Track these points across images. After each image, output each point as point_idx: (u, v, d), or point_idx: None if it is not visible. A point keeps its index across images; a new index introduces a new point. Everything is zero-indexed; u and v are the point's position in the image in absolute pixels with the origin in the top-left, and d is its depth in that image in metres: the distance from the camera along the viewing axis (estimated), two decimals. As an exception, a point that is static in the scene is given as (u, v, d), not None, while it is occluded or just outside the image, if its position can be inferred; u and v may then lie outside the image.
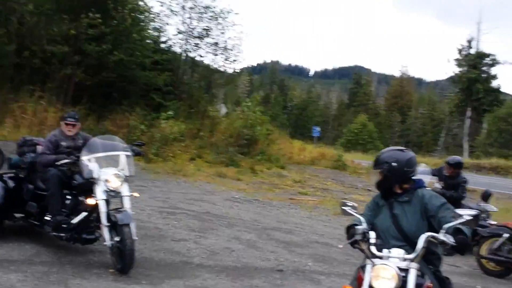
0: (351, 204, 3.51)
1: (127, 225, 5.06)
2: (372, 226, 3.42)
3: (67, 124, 5.95)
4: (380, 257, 3.08)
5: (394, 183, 3.42)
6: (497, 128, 44.51)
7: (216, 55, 22.43)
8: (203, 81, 23.64)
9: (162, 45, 22.23)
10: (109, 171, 5.37)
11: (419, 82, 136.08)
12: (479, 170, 30.40)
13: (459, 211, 3.02)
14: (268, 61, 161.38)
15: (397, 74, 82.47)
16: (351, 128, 55.64)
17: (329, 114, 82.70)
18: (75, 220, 5.34)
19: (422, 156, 41.63)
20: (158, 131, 17.18)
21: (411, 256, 3.02)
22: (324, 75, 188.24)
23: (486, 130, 48.20)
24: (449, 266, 7.12)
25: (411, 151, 3.53)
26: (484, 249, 6.89)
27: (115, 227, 5.11)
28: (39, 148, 6.02)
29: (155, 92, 19.89)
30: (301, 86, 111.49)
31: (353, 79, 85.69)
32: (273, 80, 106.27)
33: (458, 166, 8.37)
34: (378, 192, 3.60)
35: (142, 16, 19.43)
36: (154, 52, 19.99)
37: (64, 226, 5.39)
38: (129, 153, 5.74)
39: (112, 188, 5.30)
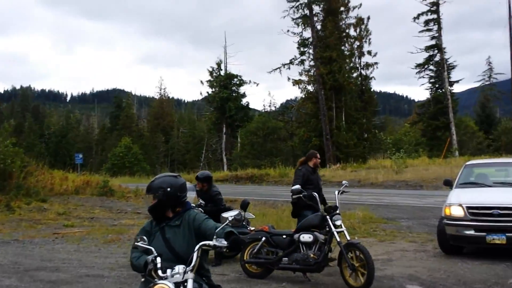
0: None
1: None
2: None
3: None
4: (165, 278, 3.21)
5: (168, 207, 3.61)
6: (249, 141, 49.19)
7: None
8: None
9: None
10: None
11: (179, 102, 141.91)
12: (238, 180, 33.17)
13: (224, 214, 3.49)
14: (18, 87, 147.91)
15: (157, 96, 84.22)
16: (116, 152, 54.45)
17: (92, 139, 79.70)
18: None
19: (187, 173, 43.37)
20: None
21: (189, 268, 3.22)
22: (83, 100, 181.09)
23: (240, 143, 52.82)
24: (218, 275, 7.54)
25: (182, 178, 3.76)
26: (246, 254, 7.49)
27: None
28: None
29: None
30: (58, 112, 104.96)
31: (114, 102, 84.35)
32: (25, 107, 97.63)
33: (206, 180, 8.84)
34: (149, 219, 3.73)
35: None
36: None
37: None
38: None
39: None
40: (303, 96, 47.40)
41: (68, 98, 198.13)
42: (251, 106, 59.09)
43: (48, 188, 20.45)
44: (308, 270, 6.98)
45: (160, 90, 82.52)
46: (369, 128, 47.51)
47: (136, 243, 3.44)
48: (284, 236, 7.27)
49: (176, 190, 3.60)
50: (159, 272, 3.24)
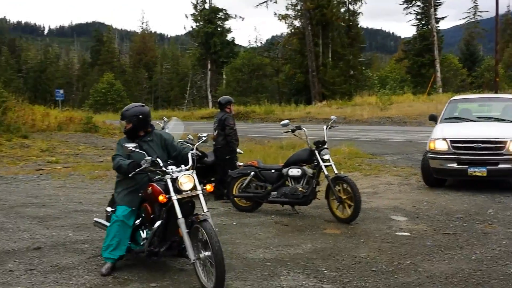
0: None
1: None
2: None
3: None
4: (170, 172, 4.45)
5: (140, 129, 4.92)
6: (234, 78, 48.61)
7: None
8: None
9: None
10: None
11: (161, 37, 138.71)
12: (224, 117, 32.99)
13: (200, 134, 5.01)
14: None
15: (138, 30, 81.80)
16: (98, 88, 53.52)
17: (72, 74, 77.96)
18: None
19: (172, 110, 43.03)
20: None
21: (189, 166, 4.55)
22: (61, 33, 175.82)
23: (225, 80, 52.18)
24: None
25: (147, 106, 5.13)
26: (235, 189, 7.53)
27: None
28: None
29: None
30: (36, 46, 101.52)
31: (94, 36, 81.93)
32: (1, 40, 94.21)
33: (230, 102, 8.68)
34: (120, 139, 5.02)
35: None
36: None
37: None
38: None
39: None
40: (290, 32, 46.45)
41: (46, 31, 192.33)
42: (236, 42, 57.93)
43: (29, 124, 20.16)
44: (296, 203, 7.06)
45: (142, 23, 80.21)
46: (355, 65, 47.04)
47: (130, 149, 4.51)
48: (273, 171, 7.29)
49: (146, 116, 4.91)
50: (163, 168, 4.47)
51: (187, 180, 4.38)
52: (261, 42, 61.28)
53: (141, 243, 4.75)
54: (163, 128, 8.50)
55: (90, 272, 4.72)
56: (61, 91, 34.03)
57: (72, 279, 4.55)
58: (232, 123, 8.39)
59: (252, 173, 7.34)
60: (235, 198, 7.50)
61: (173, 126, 8.04)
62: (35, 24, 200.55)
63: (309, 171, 6.97)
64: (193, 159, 4.65)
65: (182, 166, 4.55)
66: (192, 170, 4.52)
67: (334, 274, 4.65)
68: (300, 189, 6.91)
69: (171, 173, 4.44)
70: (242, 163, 8.25)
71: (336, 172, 6.90)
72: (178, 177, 4.37)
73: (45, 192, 9.37)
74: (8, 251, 5.37)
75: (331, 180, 6.72)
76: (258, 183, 7.36)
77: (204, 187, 4.51)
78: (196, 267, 4.26)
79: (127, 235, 4.77)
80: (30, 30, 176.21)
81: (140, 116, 4.84)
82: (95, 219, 5.61)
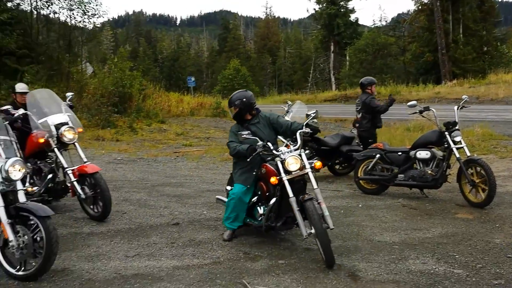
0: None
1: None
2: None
3: None
4: (279, 154, 4.72)
5: (246, 112, 5.28)
6: (358, 59, 47.46)
7: (72, 10, 20.92)
8: (62, 40, 21.97)
9: (9, 4, 20.06)
10: None
11: (284, 21, 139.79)
12: (347, 100, 32.57)
13: (308, 112, 4.98)
14: (131, 12, 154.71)
15: (262, 15, 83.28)
16: (225, 74, 55.63)
17: (202, 62, 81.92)
18: None
19: (295, 93, 43.36)
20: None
21: (297, 146, 4.78)
22: (192, 23, 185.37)
23: (348, 62, 51.21)
24: (332, 191, 7.67)
25: (250, 91, 5.45)
26: (360, 171, 7.49)
27: None
28: None
29: (8, 56, 18.13)
30: (169, 36, 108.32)
31: (221, 24, 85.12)
32: (138, 32, 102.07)
33: (373, 83, 8.73)
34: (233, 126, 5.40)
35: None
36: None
37: None
38: None
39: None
40: (417, 9, 44.06)
41: (178, 22, 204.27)
42: (360, 22, 56.39)
43: (165, 110, 21.73)
44: (425, 187, 6.84)
45: (266, 9, 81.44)
46: (489, 41, 43.26)
47: (244, 136, 4.82)
48: (400, 153, 7.12)
49: (249, 99, 5.26)
50: (274, 151, 4.78)
51: (293, 161, 4.63)
52: (386, 21, 59.19)
53: (259, 219, 5.16)
54: (287, 112, 8.71)
55: (223, 247, 5.07)
56: (193, 79, 35.92)
57: (208, 253, 4.93)
58: (378, 104, 8.40)
59: (378, 155, 7.24)
60: (361, 181, 7.47)
61: (297, 109, 8.17)
62: (168, 15, 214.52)
63: (439, 153, 6.71)
64: (302, 138, 4.84)
65: (291, 146, 4.83)
66: (300, 150, 4.74)
67: (466, 260, 4.48)
68: (430, 172, 6.68)
69: (280, 155, 4.73)
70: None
71: (468, 154, 6.55)
72: (285, 159, 4.65)
73: (181, 173, 10.14)
74: (152, 226, 5.96)
75: (463, 162, 6.40)
76: (384, 165, 7.25)
77: (313, 165, 4.70)
78: (316, 241, 4.52)
79: (243, 209, 5.25)
80: (164, 21, 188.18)
81: (244, 99, 5.23)
82: (217, 196, 6.07)
